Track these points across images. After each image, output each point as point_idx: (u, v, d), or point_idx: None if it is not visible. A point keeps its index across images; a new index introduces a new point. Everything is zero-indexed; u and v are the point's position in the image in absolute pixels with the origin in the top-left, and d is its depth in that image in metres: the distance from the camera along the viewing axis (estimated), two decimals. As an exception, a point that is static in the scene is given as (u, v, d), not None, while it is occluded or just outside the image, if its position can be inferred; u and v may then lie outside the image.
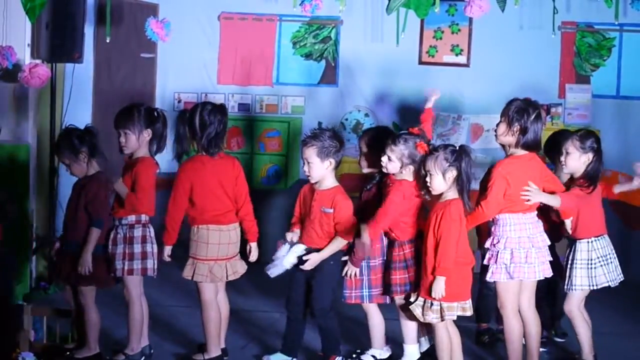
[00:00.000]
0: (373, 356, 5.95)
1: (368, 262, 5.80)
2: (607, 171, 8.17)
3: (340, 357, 5.81)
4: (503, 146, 5.77)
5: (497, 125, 5.75)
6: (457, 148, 5.50)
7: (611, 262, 5.90)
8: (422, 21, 8.16)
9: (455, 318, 5.50)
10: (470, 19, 8.38)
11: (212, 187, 5.79)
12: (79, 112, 8.12)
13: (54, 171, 7.64)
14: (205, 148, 5.77)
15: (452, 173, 5.43)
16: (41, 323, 6.04)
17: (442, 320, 5.45)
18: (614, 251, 5.94)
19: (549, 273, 5.72)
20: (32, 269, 7.30)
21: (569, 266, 5.87)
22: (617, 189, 6.19)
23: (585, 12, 8.41)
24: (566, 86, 8.49)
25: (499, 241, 5.61)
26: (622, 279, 5.94)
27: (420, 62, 8.62)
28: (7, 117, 7.05)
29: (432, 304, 5.42)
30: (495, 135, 5.77)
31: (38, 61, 7.16)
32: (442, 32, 8.58)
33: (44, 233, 7.58)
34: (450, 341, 5.54)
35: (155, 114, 5.94)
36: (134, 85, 8.59)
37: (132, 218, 5.81)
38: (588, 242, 5.84)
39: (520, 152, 5.66)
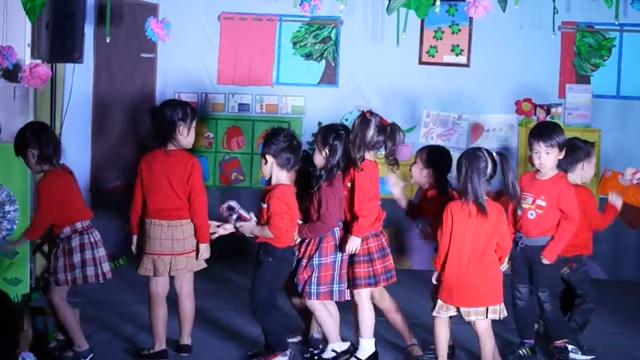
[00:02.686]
0: (334, 350, 5.96)
1: (320, 260, 5.86)
2: (607, 171, 8.20)
3: (285, 356, 5.82)
4: None
5: None
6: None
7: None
8: (422, 21, 8.15)
9: (443, 316, 5.69)
10: (471, 19, 8.37)
11: (159, 182, 5.91)
12: (79, 112, 8.12)
13: (54, 171, 7.63)
14: (159, 142, 5.96)
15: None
16: (41, 323, 6.05)
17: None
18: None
19: None
20: (32, 269, 7.29)
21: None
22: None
23: (585, 12, 8.39)
24: (566, 86, 8.48)
25: None
26: None
27: (421, 62, 8.61)
28: (7, 117, 7.05)
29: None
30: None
31: (38, 61, 7.16)
32: (442, 32, 8.57)
33: (44, 233, 7.57)
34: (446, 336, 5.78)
35: (36, 127, 6.02)
36: (134, 85, 8.58)
37: (67, 230, 5.89)
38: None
39: None
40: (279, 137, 5.82)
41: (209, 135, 8.74)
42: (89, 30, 7.88)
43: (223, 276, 7.82)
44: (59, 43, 7.25)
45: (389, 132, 5.87)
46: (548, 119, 8.38)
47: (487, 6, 6.03)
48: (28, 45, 7.32)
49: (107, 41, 6.39)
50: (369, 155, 5.87)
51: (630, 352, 6.37)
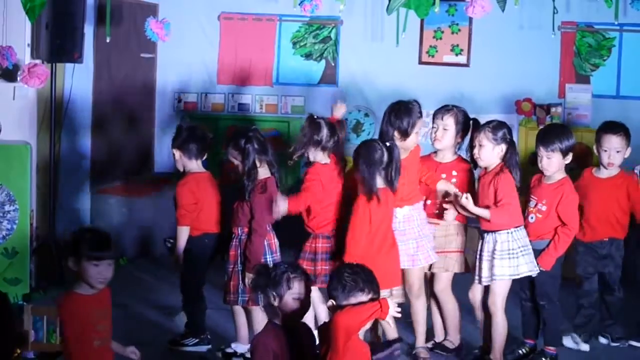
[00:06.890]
0: (236, 351, 6.02)
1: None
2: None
3: (193, 339, 6.15)
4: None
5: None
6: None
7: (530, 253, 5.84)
8: (422, 21, 8.15)
9: None
10: (470, 19, 8.38)
11: None
12: (79, 112, 8.12)
13: (54, 171, 7.64)
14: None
15: None
16: (41, 323, 6.04)
17: None
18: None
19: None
20: (32, 269, 7.29)
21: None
22: None
23: (585, 12, 8.40)
24: (566, 86, 8.49)
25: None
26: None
27: (420, 62, 8.62)
28: (7, 117, 7.06)
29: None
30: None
31: (38, 61, 7.17)
32: (442, 32, 8.58)
33: (44, 233, 7.59)
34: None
35: None
36: (134, 85, 8.59)
37: None
38: (508, 232, 5.78)
39: None
40: (181, 131, 6.25)
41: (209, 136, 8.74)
42: (89, 30, 7.88)
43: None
44: (58, 43, 7.26)
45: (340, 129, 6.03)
46: (548, 119, 8.38)
47: (485, 6, 6.03)
48: (28, 45, 7.33)
49: (107, 41, 6.39)
50: (320, 157, 5.91)
51: (627, 352, 6.37)
